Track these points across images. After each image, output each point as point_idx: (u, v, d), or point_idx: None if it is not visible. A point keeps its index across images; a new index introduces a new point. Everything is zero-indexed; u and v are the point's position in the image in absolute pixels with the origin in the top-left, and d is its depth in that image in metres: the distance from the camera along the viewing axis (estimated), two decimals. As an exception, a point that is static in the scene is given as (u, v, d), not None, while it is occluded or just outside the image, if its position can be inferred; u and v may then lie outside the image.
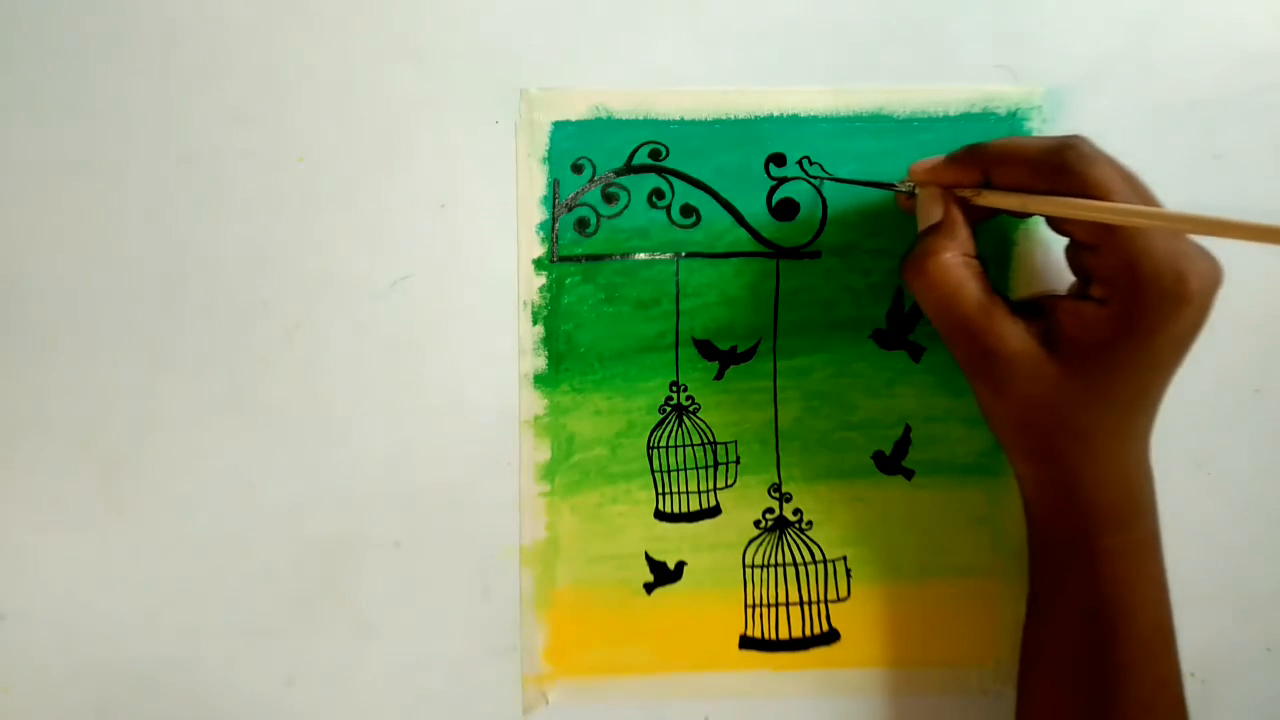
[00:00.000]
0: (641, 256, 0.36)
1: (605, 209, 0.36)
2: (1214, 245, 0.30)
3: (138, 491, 0.36)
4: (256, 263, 0.36)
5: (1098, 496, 0.31)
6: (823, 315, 0.36)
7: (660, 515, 0.36)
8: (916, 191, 0.34)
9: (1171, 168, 0.33)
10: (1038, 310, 0.32)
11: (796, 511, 0.37)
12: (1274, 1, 0.36)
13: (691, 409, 0.36)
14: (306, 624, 0.36)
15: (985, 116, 0.36)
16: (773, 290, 0.36)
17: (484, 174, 0.36)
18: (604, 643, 0.36)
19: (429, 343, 0.36)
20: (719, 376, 0.36)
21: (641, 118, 0.36)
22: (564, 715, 0.36)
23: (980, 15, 0.36)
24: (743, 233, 0.36)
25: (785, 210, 0.36)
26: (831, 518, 0.37)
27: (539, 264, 0.36)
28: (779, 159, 0.36)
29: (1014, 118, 0.36)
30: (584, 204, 0.36)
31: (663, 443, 0.36)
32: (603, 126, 0.36)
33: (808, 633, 0.36)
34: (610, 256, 0.36)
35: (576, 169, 0.36)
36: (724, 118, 0.36)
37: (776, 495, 0.37)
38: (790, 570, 0.36)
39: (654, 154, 0.36)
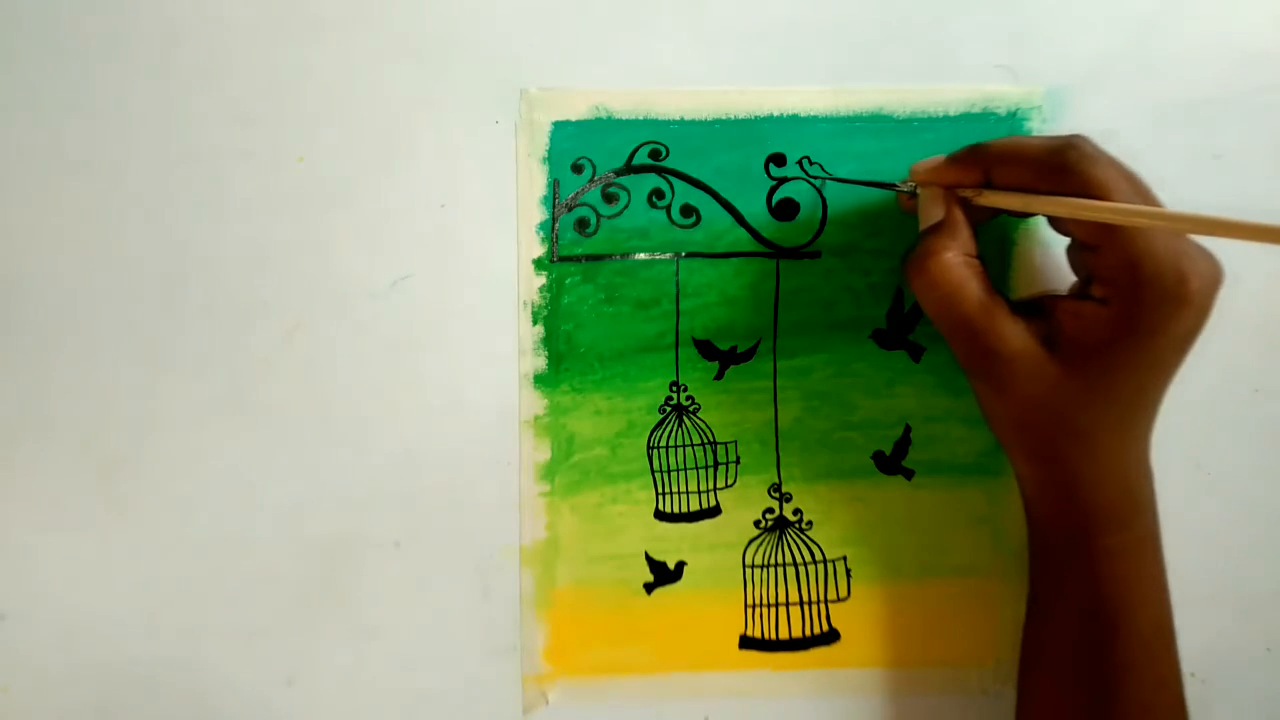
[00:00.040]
0: (641, 256, 0.36)
1: (605, 209, 0.36)
2: (1214, 245, 0.30)
3: (138, 491, 0.36)
4: (256, 263, 0.36)
5: (1098, 496, 0.31)
6: (823, 315, 0.36)
7: (660, 515, 0.36)
8: (918, 191, 0.34)
9: (1171, 168, 0.33)
10: (1038, 310, 0.32)
11: (796, 511, 0.37)
12: (1274, 1, 0.36)
13: (691, 409, 0.36)
14: (306, 624, 0.36)
15: (985, 116, 0.36)
16: (773, 290, 0.36)
17: (484, 174, 0.36)
18: (604, 643, 0.36)
19: (429, 343, 0.36)
20: (719, 376, 0.36)
21: (641, 118, 0.36)
22: (564, 715, 0.36)
23: (980, 15, 0.36)
24: (743, 233, 0.36)
25: (785, 210, 0.36)
26: (831, 518, 0.37)
27: (539, 264, 0.36)
28: (779, 159, 0.36)
29: (1014, 118, 0.36)
30: (584, 204, 0.36)
31: (663, 443, 0.36)
32: (603, 126, 0.36)
33: (808, 633, 0.36)
34: (610, 256, 0.36)
35: (576, 169, 0.36)
36: (724, 118, 0.36)
37: (776, 495, 0.37)
38: (790, 570, 0.36)
39: (654, 154, 0.36)
